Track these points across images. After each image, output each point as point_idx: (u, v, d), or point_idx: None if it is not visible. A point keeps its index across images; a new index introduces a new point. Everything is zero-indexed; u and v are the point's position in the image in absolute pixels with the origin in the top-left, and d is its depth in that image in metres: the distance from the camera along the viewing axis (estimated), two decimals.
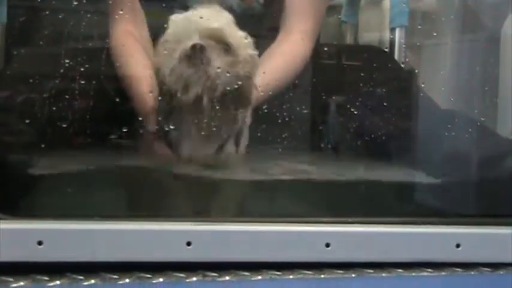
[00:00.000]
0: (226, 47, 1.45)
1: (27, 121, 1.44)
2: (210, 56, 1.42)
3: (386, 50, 2.17)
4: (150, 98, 1.51)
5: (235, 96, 1.47)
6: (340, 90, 1.88)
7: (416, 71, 2.03)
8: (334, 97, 1.86)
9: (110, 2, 1.67)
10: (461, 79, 1.76)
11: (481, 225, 1.30)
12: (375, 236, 1.25)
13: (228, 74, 1.44)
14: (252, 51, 1.50)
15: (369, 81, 1.79)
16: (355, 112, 1.76)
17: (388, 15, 2.29)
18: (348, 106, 1.80)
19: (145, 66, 1.56)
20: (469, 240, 1.27)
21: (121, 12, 1.63)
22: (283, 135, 1.65)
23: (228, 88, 1.45)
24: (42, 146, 1.40)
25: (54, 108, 1.45)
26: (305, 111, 1.75)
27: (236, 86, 1.46)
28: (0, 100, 1.49)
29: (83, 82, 1.50)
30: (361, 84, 1.81)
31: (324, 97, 1.87)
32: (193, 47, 1.42)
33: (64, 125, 1.43)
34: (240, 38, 1.48)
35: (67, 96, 1.46)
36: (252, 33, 1.85)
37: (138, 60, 1.61)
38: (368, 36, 2.43)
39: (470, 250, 1.26)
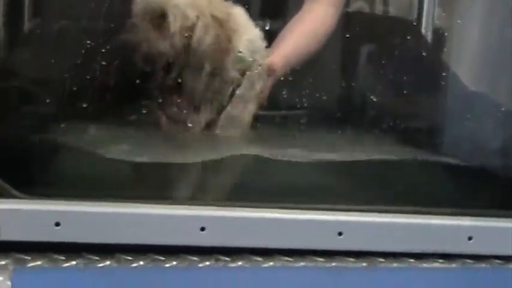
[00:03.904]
0: (160, 20, 1.45)
1: (47, 100, 1.45)
2: (142, 32, 1.44)
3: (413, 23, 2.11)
4: None
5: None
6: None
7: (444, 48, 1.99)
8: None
9: None
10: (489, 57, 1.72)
11: (494, 217, 1.29)
12: (387, 226, 1.25)
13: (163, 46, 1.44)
14: (186, 22, 1.47)
15: (390, 56, 1.77)
16: (374, 91, 1.74)
17: None
18: (366, 85, 1.79)
19: None
20: (482, 233, 1.27)
21: None
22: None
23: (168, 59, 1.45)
24: (62, 125, 1.41)
25: (73, 87, 1.46)
26: (321, 94, 1.73)
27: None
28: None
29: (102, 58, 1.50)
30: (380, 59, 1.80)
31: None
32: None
33: (83, 104, 1.44)
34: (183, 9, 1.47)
35: (86, 74, 1.47)
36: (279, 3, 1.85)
37: None
38: (397, 5, 2.37)
39: (482, 243, 1.27)
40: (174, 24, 1.44)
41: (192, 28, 1.45)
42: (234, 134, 1.55)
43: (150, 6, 1.46)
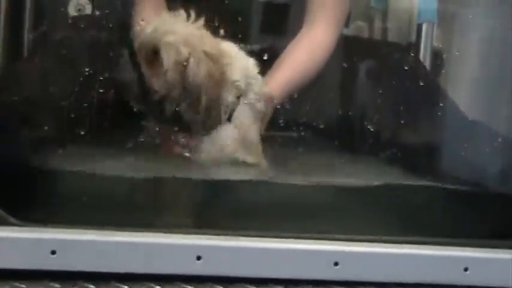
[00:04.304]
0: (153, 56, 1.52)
1: (44, 127, 1.46)
2: (139, 65, 1.53)
3: (411, 52, 2.11)
4: None
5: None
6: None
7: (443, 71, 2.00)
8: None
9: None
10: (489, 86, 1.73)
11: (491, 248, 1.29)
12: (383, 256, 1.25)
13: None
14: (180, 58, 1.51)
15: (387, 83, 1.78)
16: (369, 117, 1.75)
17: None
18: (361, 110, 1.79)
19: None
20: (478, 264, 1.27)
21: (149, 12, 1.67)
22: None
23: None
24: (60, 151, 1.42)
25: (71, 114, 1.48)
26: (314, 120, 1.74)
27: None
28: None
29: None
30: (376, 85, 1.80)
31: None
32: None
33: (82, 132, 1.45)
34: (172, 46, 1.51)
35: (83, 102, 1.49)
36: (278, 23, 1.86)
37: None
38: (395, 26, 2.38)
39: (479, 274, 1.27)
40: (168, 60, 1.47)
41: (185, 64, 1.48)
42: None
43: (144, 43, 1.50)
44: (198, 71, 1.50)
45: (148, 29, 1.53)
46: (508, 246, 1.30)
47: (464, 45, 1.89)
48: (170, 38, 1.51)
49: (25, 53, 1.76)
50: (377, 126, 1.72)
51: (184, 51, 1.50)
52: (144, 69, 1.51)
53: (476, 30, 1.85)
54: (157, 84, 1.50)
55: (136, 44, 1.54)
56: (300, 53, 1.77)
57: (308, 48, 1.79)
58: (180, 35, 1.52)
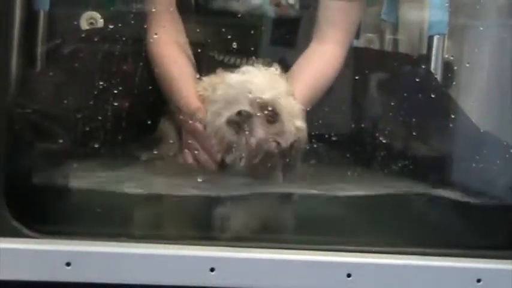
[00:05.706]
0: (274, 117, 1.49)
1: (60, 140, 1.47)
2: (255, 125, 1.47)
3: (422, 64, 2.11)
4: (194, 98, 1.57)
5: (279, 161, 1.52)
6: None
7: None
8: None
9: (152, 10, 1.69)
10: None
11: (504, 259, 1.29)
12: (396, 268, 1.26)
13: (271, 144, 1.49)
14: (300, 123, 1.53)
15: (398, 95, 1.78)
16: (380, 129, 1.75)
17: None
18: (372, 122, 1.80)
19: (188, 70, 1.64)
20: (491, 275, 1.27)
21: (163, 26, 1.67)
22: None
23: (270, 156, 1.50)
24: (74, 165, 1.43)
25: (87, 127, 1.49)
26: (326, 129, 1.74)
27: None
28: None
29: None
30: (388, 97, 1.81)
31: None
32: (240, 113, 1.46)
33: (96, 144, 1.46)
34: (290, 109, 1.51)
35: (99, 114, 1.49)
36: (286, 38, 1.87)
37: (182, 67, 1.64)
38: (406, 39, 2.38)
39: (491, 286, 1.27)
40: (288, 126, 1.49)
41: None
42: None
43: (264, 105, 1.48)
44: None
45: (266, 92, 1.50)
46: None
47: (475, 56, 1.89)
48: (285, 102, 1.51)
49: (38, 67, 1.75)
50: (388, 138, 1.72)
51: (298, 123, 1.53)
52: (261, 129, 1.49)
53: (487, 41, 1.85)
54: (282, 142, 1.49)
55: (248, 102, 1.50)
56: (311, 72, 1.77)
57: (319, 68, 1.79)
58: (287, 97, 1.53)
